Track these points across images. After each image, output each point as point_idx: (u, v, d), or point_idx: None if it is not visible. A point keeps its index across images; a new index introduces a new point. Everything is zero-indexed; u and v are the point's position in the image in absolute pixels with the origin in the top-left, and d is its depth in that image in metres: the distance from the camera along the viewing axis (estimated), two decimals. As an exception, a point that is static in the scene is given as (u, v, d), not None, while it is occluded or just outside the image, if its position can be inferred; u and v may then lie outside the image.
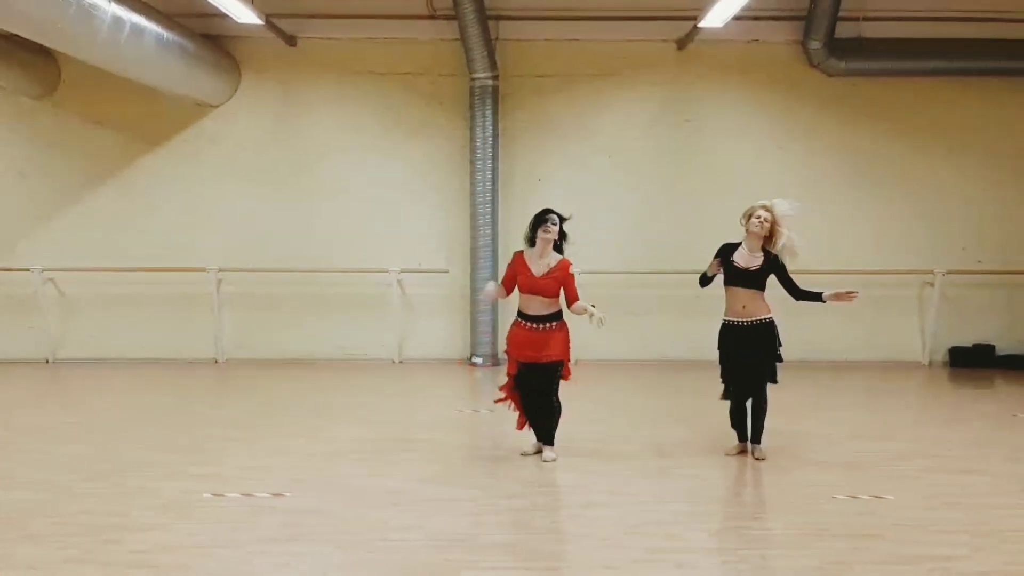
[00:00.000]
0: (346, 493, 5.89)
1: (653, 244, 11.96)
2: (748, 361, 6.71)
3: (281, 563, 4.65)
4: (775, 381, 6.82)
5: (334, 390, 10.19)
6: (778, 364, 6.83)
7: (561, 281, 6.63)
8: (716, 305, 11.95)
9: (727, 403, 6.94)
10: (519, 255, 6.74)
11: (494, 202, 11.73)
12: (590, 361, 12.10)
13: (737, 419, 6.96)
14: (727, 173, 12.13)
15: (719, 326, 6.89)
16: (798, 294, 6.80)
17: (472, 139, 11.68)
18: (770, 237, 6.72)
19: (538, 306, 6.64)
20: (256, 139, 12.17)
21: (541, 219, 6.63)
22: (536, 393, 6.76)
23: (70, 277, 12.09)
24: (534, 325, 6.64)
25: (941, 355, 12.37)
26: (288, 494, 5.83)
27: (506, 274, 6.87)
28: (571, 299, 6.66)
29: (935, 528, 5.22)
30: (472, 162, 11.70)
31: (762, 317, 6.71)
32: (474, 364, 11.86)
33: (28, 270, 11.85)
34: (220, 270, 11.95)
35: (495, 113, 11.67)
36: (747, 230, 6.76)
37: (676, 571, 4.55)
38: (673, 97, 12.20)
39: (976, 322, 12.30)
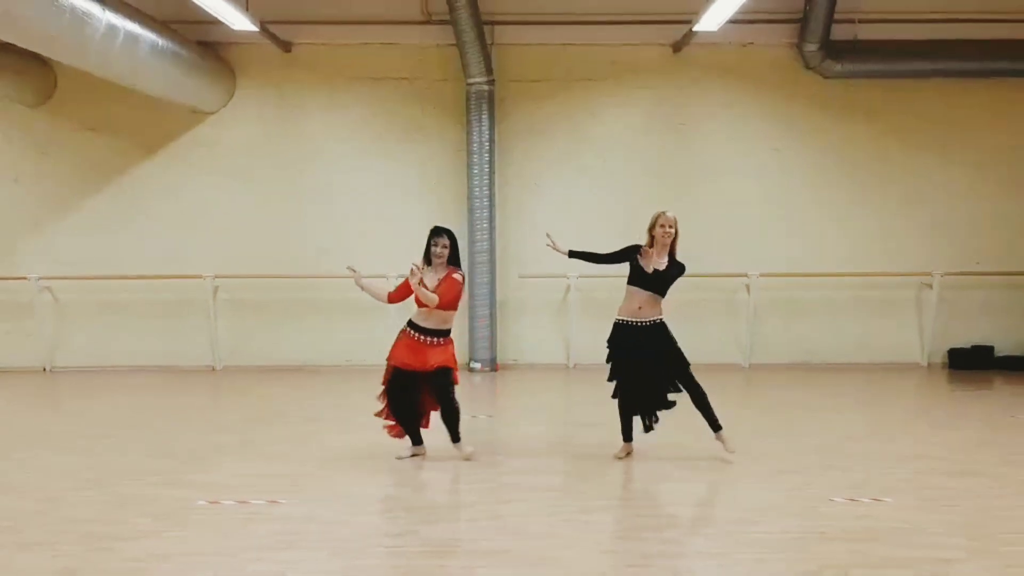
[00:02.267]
0: (342, 500, 5.87)
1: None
2: (650, 360, 6.75)
3: (276, 571, 4.63)
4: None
5: (331, 396, 10.17)
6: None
7: (444, 284, 6.74)
8: (714, 309, 12.01)
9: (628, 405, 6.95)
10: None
11: (491, 207, 11.72)
12: (585, 365, 12.09)
13: (627, 419, 6.94)
14: (723, 176, 12.14)
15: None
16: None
17: (468, 143, 11.68)
18: (672, 244, 6.81)
19: (435, 320, 6.78)
20: (252, 145, 12.17)
21: (430, 238, 6.87)
22: (410, 398, 6.92)
23: (66, 285, 12.08)
24: (421, 337, 6.80)
25: (940, 357, 12.37)
26: (283, 501, 5.80)
27: (402, 283, 7.00)
28: (441, 299, 6.66)
29: (933, 531, 5.19)
30: (469, 167, 11.69)
31: (656, 318, 6.79)
32: (472, 369, 11.84)
33: (25, 278, 11.84)
34: (216, 277, 11.94)
35: (491, 118, 11.67)
36: (653, 238, 6.75)
37: (673, 576, 4.54)
38: (669, 101, 12.20)
39: (975, 323, 12.29)
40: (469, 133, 11.67)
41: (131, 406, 9.62)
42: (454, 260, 6.92)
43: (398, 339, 6.95)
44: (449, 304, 6.77)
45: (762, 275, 11.95)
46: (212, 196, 12.14)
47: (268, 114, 12.17)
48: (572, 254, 7.19)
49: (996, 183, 12.23)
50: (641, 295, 6.76)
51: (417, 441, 7.10)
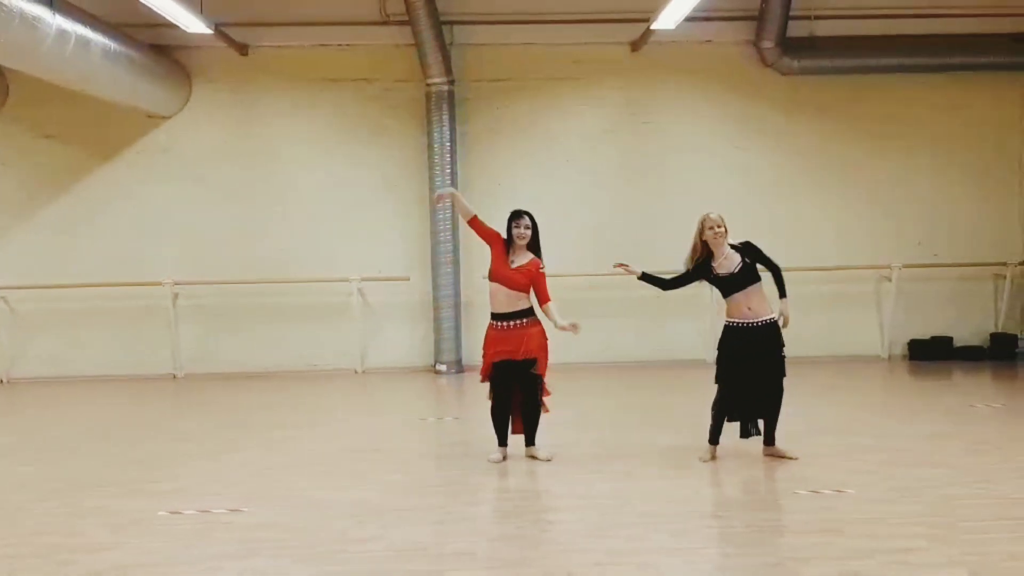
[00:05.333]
0: (306, 506, 5.82)
1: (614, 246, 11.89)
2: (757, 364, 6.63)
3: (239, 579, 4.58)
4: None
5: (295, 402, 10.08)
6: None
7: (531, 278, 6.68)
8: (678, 306, 12.04)
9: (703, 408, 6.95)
10: (504, 240, 6.74)
11: (453, 208, 11.66)
12: (551, 364, 12.07)
13: (719, 423, 6.82)
14: (686, 174, 12.19)
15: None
16: (777, 272, 6.73)
17: (429, 144, 11.62)
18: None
19: (504, 299, 6.66)
20: (210, 149, 12.02)
21: (511, 220, 6.70)
22: (522, 394, 6.86)
23: (22, 294, 11.86)
24: (504, 324, 6.69)
25: (900, 348, 12.51)
26: (246, 509, 5.74)
27: (488, 228, 6.80)
28: (541, 298, 6.75)
29: (894, 521, 5.25)
30: (430, 167, 11.64)
31: (768, 317, 6.64)
32: (438, 371, 11.79)
33: (-21, 289, 11.64)
34: (176, 283, 11.78)
35: (452, 118, 11.63)
36: (705, 243, 6.71)
37: (638, 572, 4.54)
38: (630, 99, 12.23)
39: (933, 315, 12.44)
40: (430, 134, 11.61)
41: (91, 416, 9.47)
42: (535, 246, 6.75)
43: (486, 337, 6.82)
44: (521, 288, 6.66)
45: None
46: (171, 201, 11.98)
47: (226, 117, 12.04)
48: (643, 276, 7.06)
49: (952, 176, 12.40)
50: (742, 296, 6.63)
51: (505, 442, 6.93)
